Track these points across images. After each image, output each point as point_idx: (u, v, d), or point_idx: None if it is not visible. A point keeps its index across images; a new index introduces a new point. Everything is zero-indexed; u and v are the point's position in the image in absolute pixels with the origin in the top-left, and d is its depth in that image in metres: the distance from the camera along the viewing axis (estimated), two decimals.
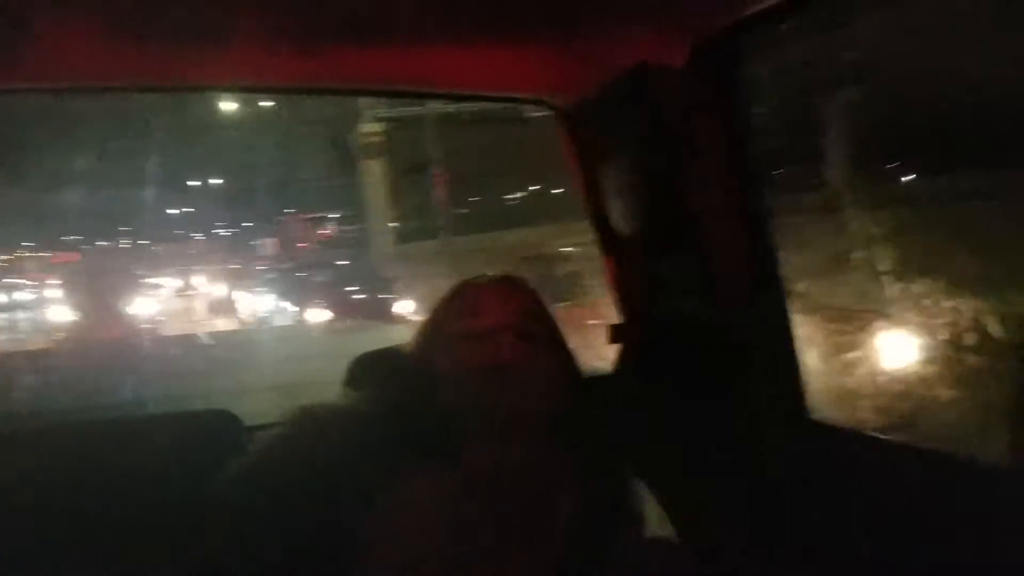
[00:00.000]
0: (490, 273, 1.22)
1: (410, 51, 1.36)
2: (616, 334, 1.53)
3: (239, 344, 13.27)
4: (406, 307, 13.40)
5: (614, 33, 1.30)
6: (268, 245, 25.20)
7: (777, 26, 1.24)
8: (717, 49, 1.28)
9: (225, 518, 1.10)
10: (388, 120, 17.88)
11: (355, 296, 14.36)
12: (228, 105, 19.35)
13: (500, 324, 1.10)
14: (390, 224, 19.28)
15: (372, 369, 1.33)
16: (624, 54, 1.33)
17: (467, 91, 1.66)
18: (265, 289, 16.60)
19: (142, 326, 14.35)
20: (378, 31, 1.27)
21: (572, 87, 1.46)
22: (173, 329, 15.33)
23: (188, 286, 22.72)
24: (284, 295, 15.46)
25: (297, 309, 14.61)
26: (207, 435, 1.35)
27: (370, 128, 17.94)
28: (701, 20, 1.25)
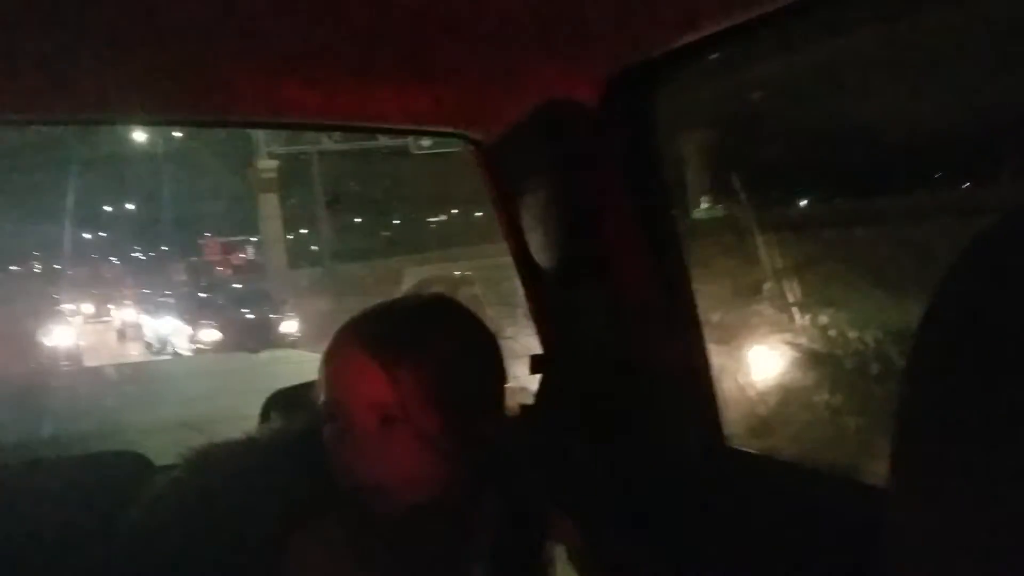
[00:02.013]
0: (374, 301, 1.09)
1: (327, 85, 1.36)
2: (536, 365, 1.55)
3: (150, 375, 13.08)
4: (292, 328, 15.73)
5: (530, 68, 1.32)
6: (177, 271, 25.39)
7: (689, 64, 1.28)
8: (630, 84, 1.31)
9: (128, 565, 1.07)
10: (279, 156, 19.95)
11: (248, 317, 16.20)
12: (140, 135, 20.61)
13: (354, 402, 0.98)
14: (283, 252, 21.53)
15: (286, 405, 1.31)
16: (540, 89, 1.35)
17: (385, 125, 1.65)
18: (170, 313, 17.37)
19: (53, 357, 13.94)
20: (294, 64, 1.26)
21: (490, 121, 1.48)
22: (86, 360, 14.99)
23: (99, 312, 22.22)
24: (192, 319, 16.57)
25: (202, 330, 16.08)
26: (116, 478, 1.30)
27: (264, 164, 19.76)
28: (614, 57, 1.28)
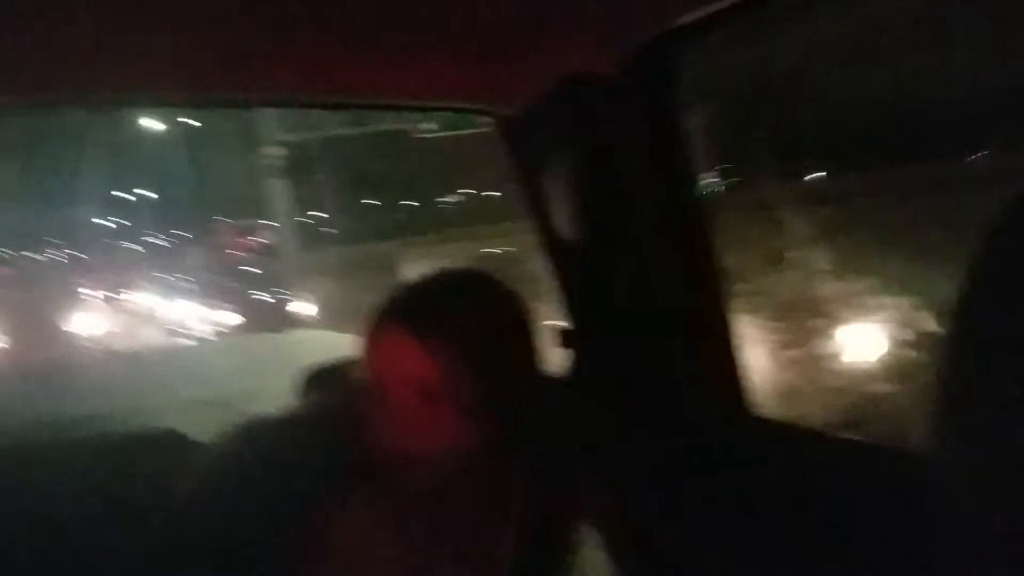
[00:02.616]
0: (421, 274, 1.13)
1: (349, 63, 1.36)
2: (565, 338, 1.56)
3: (176, 355, 13.28)
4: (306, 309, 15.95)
5: (553, 41, 1.32)
6: (195, 254, 25.66)
7: (715, 33, 1.27)
8: (654, 56, 1.30)
9: (167, 540, 1.09)
10: (287, 143, 20.23)
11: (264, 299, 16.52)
12: (153, 121, 20.96)
13: (395, 379, 1.01)
14: (294, 235, 21.58)
15: (321, 381, 1.33)
16: (563, 62, 1.35)
17: (408, 102, 1.66)
18: (187, 296, 17.50)
19: (75, 340, 14.15)
20: (316, 42, 1.27)
21: (512, 96, 1.48)
22: (106, 342, 15.20)
23: (119, 296, 22.46)
24: (208, 301, 17.03)
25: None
26: (154, 454, 1.33)
27: (272, 151, 20.12)
28: (638, 28, 1.28)
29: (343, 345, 1.18)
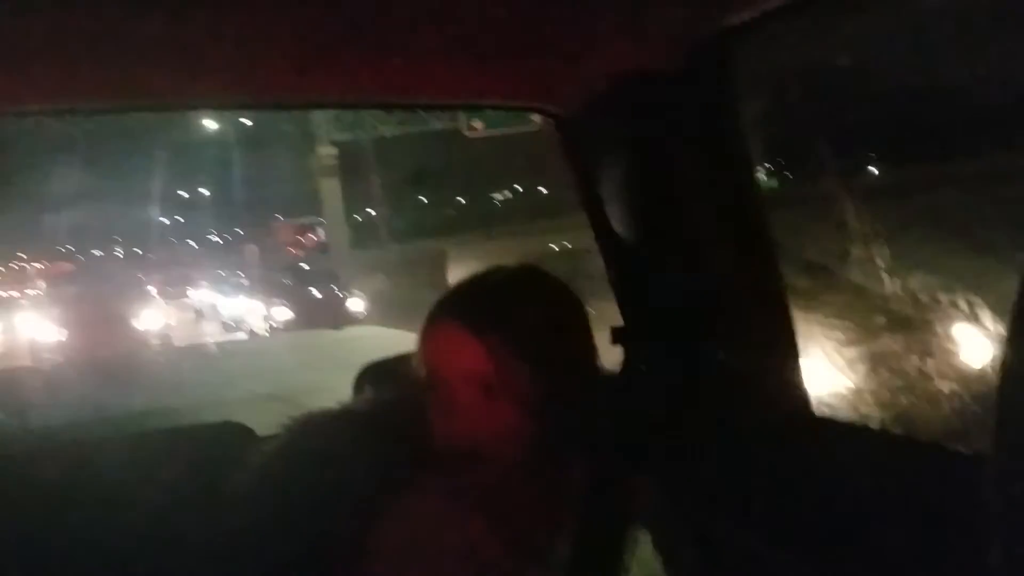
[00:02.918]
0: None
1: (408, 62, 1.37)
2: (618, 336, 1.55)
3: (236, 351, 13.61)
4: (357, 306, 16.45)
5: (609, 40, 1.32)
6: (253, 252, 26.29)
7: (769, 31, 1.26)
8: (710, 54, 1.30)
9: (232, 531, 1.12)
10: (339, 143, 20.83)
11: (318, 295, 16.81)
12: (211, 123, 21.64)
13: (455, 375, 1.02)
14: (344, 233, 22.61)
15: (378, 377, 1.35)
16: (619, 60, 1.35)
17: (464, 101, 1.67)
18: (245, 293, 17.92)
19: (140, 336, 14.58)
20: (374, 43, 1.29)
21: (568, 95, 1.48)
22: (171, 338, 15.64)
23: (181, 293, 23.09)
24: (266, 298, 17.34)
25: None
26: (221, 448, 1.36)
27: (325, 151, 20.64)
28: (694, 26, 1.27)
29: (397, 340, 1.20)
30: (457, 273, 1.43)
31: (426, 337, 1.06)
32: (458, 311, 1.05)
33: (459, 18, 1.21)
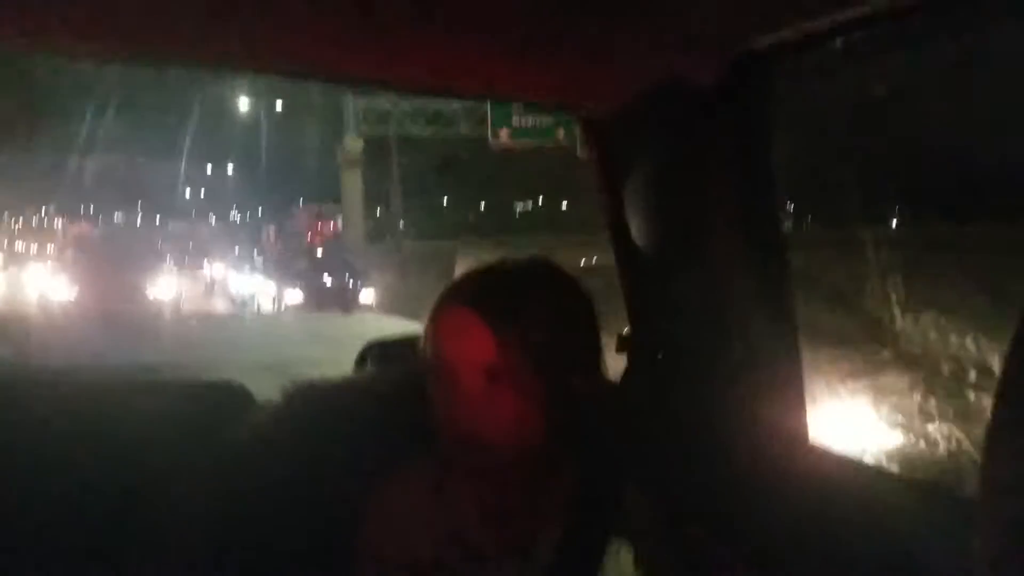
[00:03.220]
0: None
1: (446, 53, 1.38)
2: (623, 344, 1.55)
3: (244, 325, 13.85)
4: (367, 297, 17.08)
5: (647, 46, 1.32)
6: (270, 233, 26.51)
7: (815, 52, 1.25)
8: (750, 70, 1.29)
9: (222, 490, 1.12)
10: (367, 137, 21.23)
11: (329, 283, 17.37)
12: (245, 101, 21.99)
13: (460, 359, 1.02)
14: (361, 226, 23.27)
15: (380, 355, 1.35)
16: (656, 68, 1.35)
17: (496, 94, 1.68)
18: (259, 273, 18.28)
19: (150, 297, 14.91)
20: (417, 29, 1.29)
21: (602, 97, 1.48)
22: (183, 304, 15.97)
23: (193, 265, 23.31)
24: (279, 280, 18.06)
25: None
26: (219, 406, 1.36)
27: (352, 143, 21.11)
28: (735, 40, 1.27)
29: (403, 328, 1.20)
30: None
31: (434, 320, 1.07)
32: (468, 297, 1.05)
33: (496, 15, 1.21)
